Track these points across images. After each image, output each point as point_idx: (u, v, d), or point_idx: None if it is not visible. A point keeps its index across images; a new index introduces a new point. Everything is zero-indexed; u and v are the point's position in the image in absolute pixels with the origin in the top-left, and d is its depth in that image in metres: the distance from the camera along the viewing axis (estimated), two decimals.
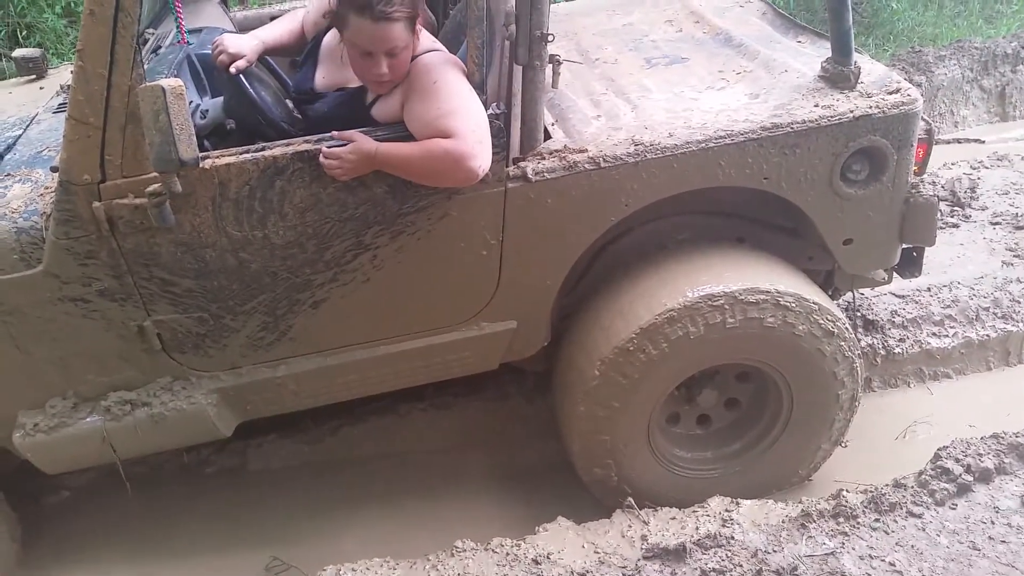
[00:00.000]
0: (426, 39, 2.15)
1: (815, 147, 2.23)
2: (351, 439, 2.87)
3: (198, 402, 2.23)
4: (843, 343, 2.39)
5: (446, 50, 2.16)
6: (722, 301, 2.25)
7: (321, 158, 1.98)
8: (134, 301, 2.10)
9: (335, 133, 2.01)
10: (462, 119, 1.95)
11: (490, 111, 2.05)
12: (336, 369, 2.33)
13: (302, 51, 2.31)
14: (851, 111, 2.23)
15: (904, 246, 2.54)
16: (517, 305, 2.35)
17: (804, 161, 2.25)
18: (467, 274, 2.26)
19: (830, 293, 2.67)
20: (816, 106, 2.25)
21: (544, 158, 2.16)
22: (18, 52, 2.97)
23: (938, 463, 2.29)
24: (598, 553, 2.22)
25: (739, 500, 2.36)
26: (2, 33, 5.55)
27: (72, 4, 5.65)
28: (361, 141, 1.99)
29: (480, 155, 1.96)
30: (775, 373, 2.43)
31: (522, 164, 2.15)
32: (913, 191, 2.39)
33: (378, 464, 2.85)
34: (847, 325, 2.41)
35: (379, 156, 1.98)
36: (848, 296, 2.98)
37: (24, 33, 5.56)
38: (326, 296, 2.21)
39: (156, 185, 1.91)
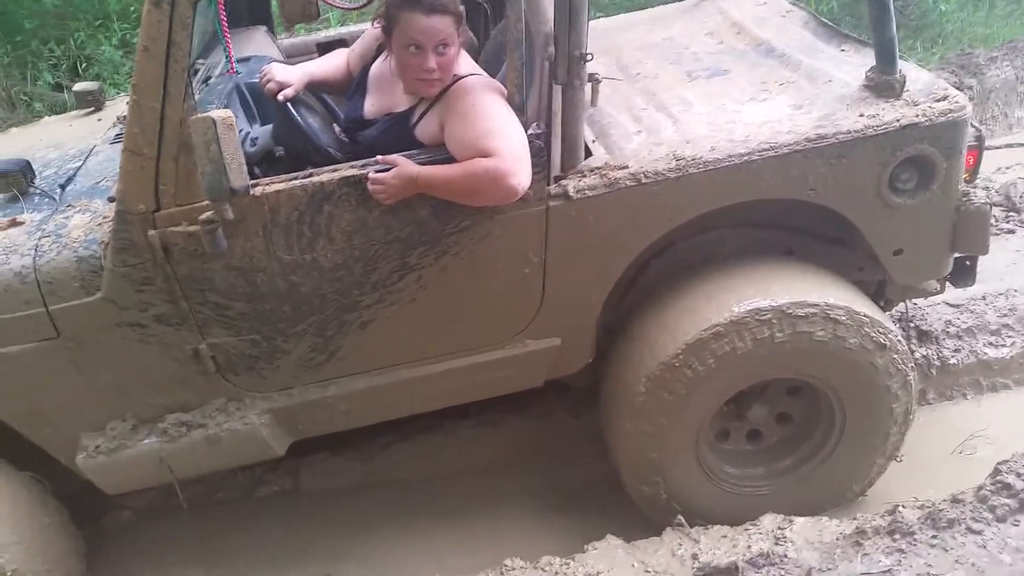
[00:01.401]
0: (467, 63, 2.20)
1: (861, 157, 2.20)
2: (400, 457, 2.90)
3: (252, 422, 2.29)
4: (896, 356, 2.34)
5: (486, 74, 2.19)
6: (770, 315, 2.23)
7: (368, 183, 2.02)
8: (189, 325, 2.17)
9: (379, 158, 2.06)
10: (501, 138, 1.98)
11: (530, 131, 2.07)
12: (384, 388, 2.36)
13: (346, 86, 2.38)
14: (897, 120, 2.19)
15: (956, 255, 2.48)
16: (561, 322, 2.35)
17: (851, 172, 2.22)
18: (511, 293, 2.28)
19: (881, 304, 2.62)
20: (861, 116, 2.22)
21: (585, 175, 2.17)
22: (78, 86, 3.09)
23: (998, 478, 2.21)
24: (648, 572, 2.21)
25: (792, 517, 2.32)
26: (64, 66, 5.78)
27: (127, 36, 5.86)
28: (404, 165, 2.03)
29: (520, 173, 1.98)
30: (827, 388, 2.39)
31: (563, 182, 2.16)
32: (964, 199, 2.34)
33: (426, 482, 2.87)
34: (900, 337, 2.36)
35: (421, 179, 2.02)
36: (900, 307, 2.92)
37: (84, 65, 5.78)
38: (373, 317, 2.24)
39: (209, 213, 1.97)
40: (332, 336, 2.26)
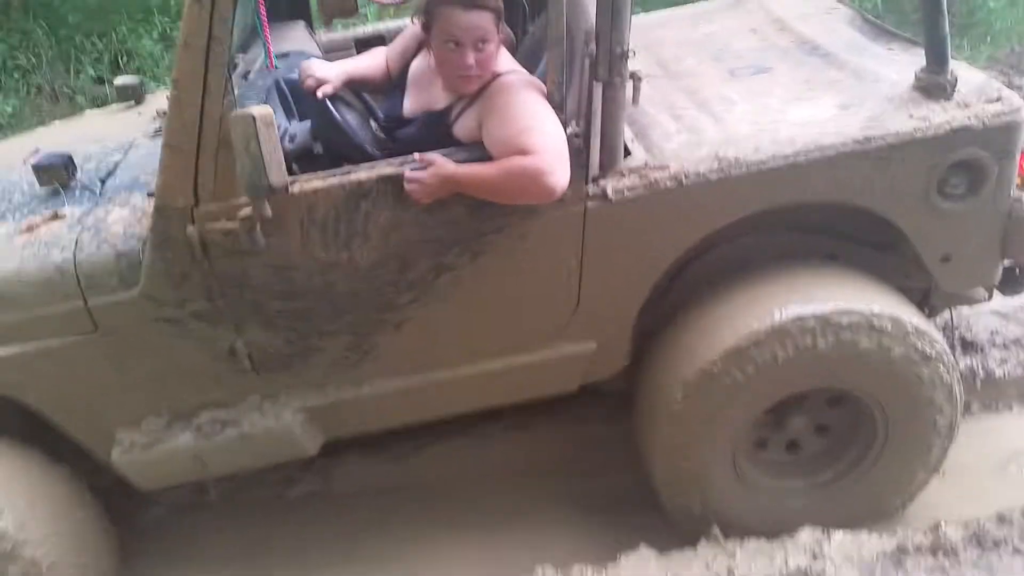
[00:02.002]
0: (506, 60, 2.17)
1: (910, 160, 2.14)
2: (432, 460, 2.88)
3: (286, 421, 2.28)
4: (941, 366, 2.27)
5: (525, 72, 2.16)
6: (812, 323, 2.17)
7: (404, 183, 2.01)
8: (225, 322, 2.17)
9: (416, 156, 2.04)
10: (539, 136, 1.95)
11: (569, 130, 2.04)
12: (418, 389, 2.34)
13: (384, 85, 2.38)
14: (948, 122, 2.13)
15: (1006, 262, 2.40)
16: (597, 325, 2.32)
17: (899, 175, 2.15)
18: (546, 294, 2.25)
19: (926, 312, 2.55)
20: (910, 117, 2.15)
21: (624, 176, 2.13)
22: (118, 80, 3.11)
23: None
24: None
25: (830, 531, 2.26)
26: (105, 60, 5.87)
27: (168, 29, 5.93)
28: (440, 164, 2.01)
29: (558, 171, 1.95)
30: (869, 398, 2.32)
31: (602, 182, 2.12)
32: (1016, 204, 2.27)
33: (458, 487, 2.84)
34: (946, 348, 2.29)
35: (458, 177, 2.00)
36: (945, 314, 2.84)
37: (125, 59, 5.86)
38: (409, 316, 2.23)
39: (246, 210, 1.96)
40: (367, 335, 2.25)
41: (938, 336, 2.29)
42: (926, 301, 2.55)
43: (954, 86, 2.19)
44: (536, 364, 2.34)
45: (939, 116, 2.14)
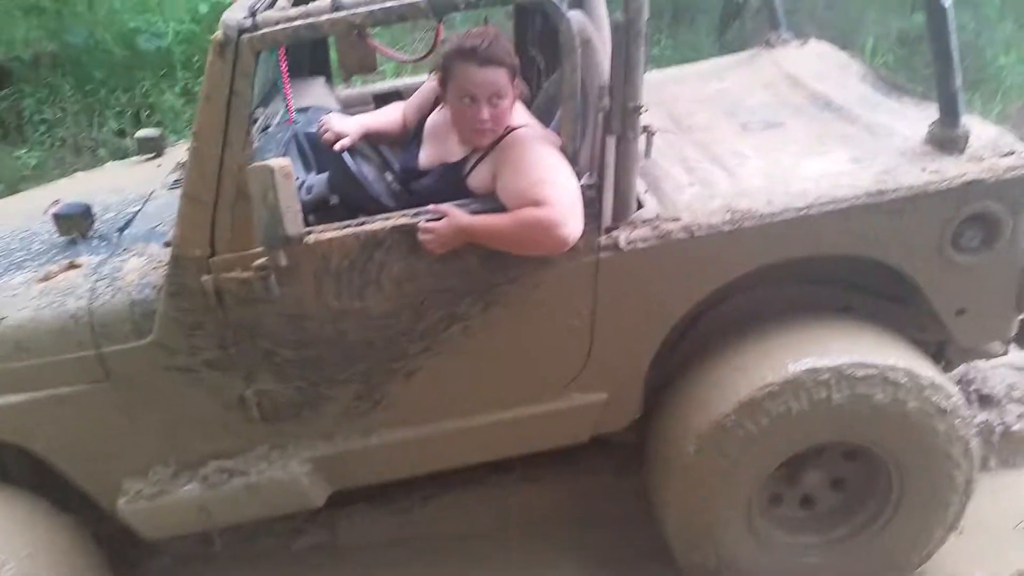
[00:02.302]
0: (520, 114, 2.21)
1: (924, 213, 2.14)
2: (440, 511, 2.84)
3: (293, 471, 2.26)
4: (957, 421, 2.24)
5: (540, 125, 2.20)
6: (827, 375, 2.15)
7: (418, 233, 2.03)
8: (237, 371, 2.17)
9: (430, 207, 2.06)
10: (552, 188, 1.98)
11: (583, 181, 2.06)
12: (427, 439, 2.33)
13: (401, 138, 2.42)
14: (961, 176, 2.13)
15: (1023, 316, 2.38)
16: (608, 376, 2.31)
17: (912, 228, 2.15)
18: (558, 344, 2.25)
19: (942, 366, 2.52)
20: (923, 171, 2.16)
21: (636, 227, 2.14)
22: (140, 133, 3.18)
23: None
24: None
25: None
26: (128, 114, 6.01)
27: (189, 84, 6.07)
28: (454, 215, 2.03)
29: (571, 222, 1.97)
30: (884, 452, 2.29)
31: (614, 233, 2.13)
32: None
33: (467, 539, 2.79)
34: (962, 402, 2.26)
35: (471, 228, 2.02)
36: (961, 368, 2.81)
37: (147, 113, 6.00)
38: (419, 366, 2.22)
39: (263, 259, 1.99)
40: (377, 385, 2.24)
41: (954, 390, 2.26)
42: (941, 354, 2.52)
43: (967, 140, 2.20)
44: (547, 415, 2.33)
45: (952, 169, 2.15)
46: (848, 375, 2.15)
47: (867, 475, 2.39)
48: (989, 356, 2.54)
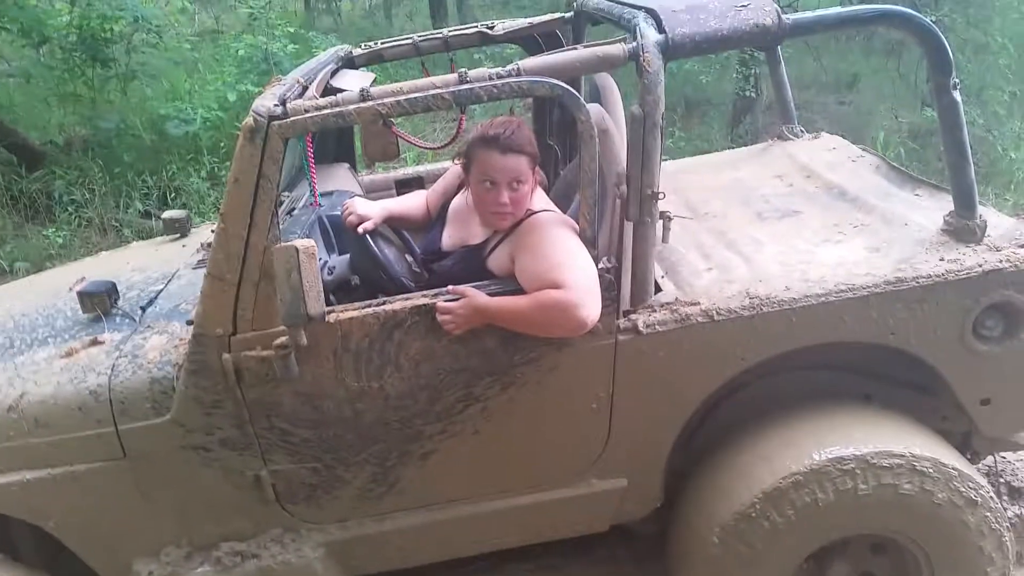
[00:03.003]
0: (540, 199, 2.25)
1: (943, 302, 2.14)
2: None
3: (306, 556, 2.23)
4: (988, 513, 2.18)
5: (558, 210, 2.24)
6: (852, 465, 2.11)
7: (436, 313, 2.04)
8: (253, 450, 2.16)
9: (449, 288, 2.08)
10: (571, 271, 2.00)
11: (601, 265, 2.08)
12: (442, 525, 2.29)
13: (422, 223, 2.48)
14: (980, 265, 2.14)
15: None
16: (628, 462, 2.27)
17: (932, 317, 2.15)
18: (576, 428, 2.22)
19: (968, 457, 2.46)
20: (942, 260, 2.17)
21: (655, 311, 2.15)
22: (166, 214, 3.25)
23: None
24: None
25: None
26: (154, 196, 6.17)
27: (215, 169, 6.25)
28: (473, 296, 2.04)
29: (589, 305, 1.98)
30: (914, 546, 2.22)
31: (633, 317, 2.14)
32: None
33: None
34: (991, 493, 2.20)
35: (490, 310, 2.03)
36: (988, 460, 2.74)
37: (173, 195, 6.16)
38: (436, 448, 2.20)
39: (283, 338, 2.00)
40: (393, 467, 2.22)
41: (983, 481, 2.20)
42: (967, 445, 2.47)
43: (984, 230, 2.21)
44: (565, 501, 2.29)
45: (971, 259, 2.15)
46: (874, 464, 2.11)
47: (896, 569, 2.32)
48: (1016, 448, 2.48)
